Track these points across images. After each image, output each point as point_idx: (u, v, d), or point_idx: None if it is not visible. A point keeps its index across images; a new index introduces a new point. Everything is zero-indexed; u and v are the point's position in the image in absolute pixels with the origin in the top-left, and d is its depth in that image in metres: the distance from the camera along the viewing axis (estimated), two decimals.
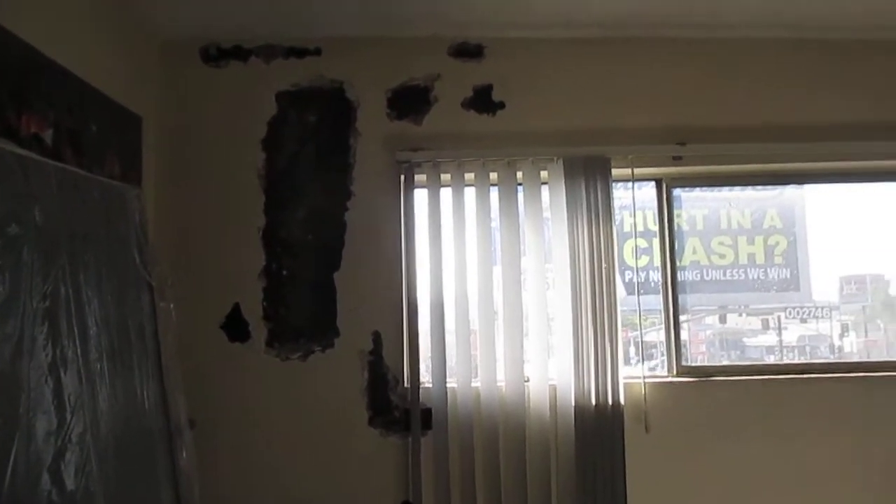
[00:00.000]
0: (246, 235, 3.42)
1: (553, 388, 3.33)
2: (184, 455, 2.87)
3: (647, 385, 3.38)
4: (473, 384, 3.33)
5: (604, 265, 3.34)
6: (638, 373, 3.41)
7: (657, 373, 3.54)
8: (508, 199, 3.41)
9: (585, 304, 3.33)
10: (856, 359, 3.71)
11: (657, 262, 3.61)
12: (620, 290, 3.42)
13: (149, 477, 2.66)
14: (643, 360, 3.43)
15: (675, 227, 3.62)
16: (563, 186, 3.38)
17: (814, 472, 3.38)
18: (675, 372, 3.52)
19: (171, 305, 2.93)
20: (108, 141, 2.79)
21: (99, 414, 2.30)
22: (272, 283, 3.42)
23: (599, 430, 3.27)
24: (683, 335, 3.58)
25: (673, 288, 3.58)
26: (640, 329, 3.45)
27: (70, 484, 2.05)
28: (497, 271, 3.37)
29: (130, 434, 2.53)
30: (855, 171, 3.63)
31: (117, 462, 2.38)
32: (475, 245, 3.40)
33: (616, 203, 3.43)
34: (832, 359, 3.72)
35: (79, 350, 2.20)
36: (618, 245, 3.45)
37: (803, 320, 3.80)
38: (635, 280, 3.51)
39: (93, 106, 2.69)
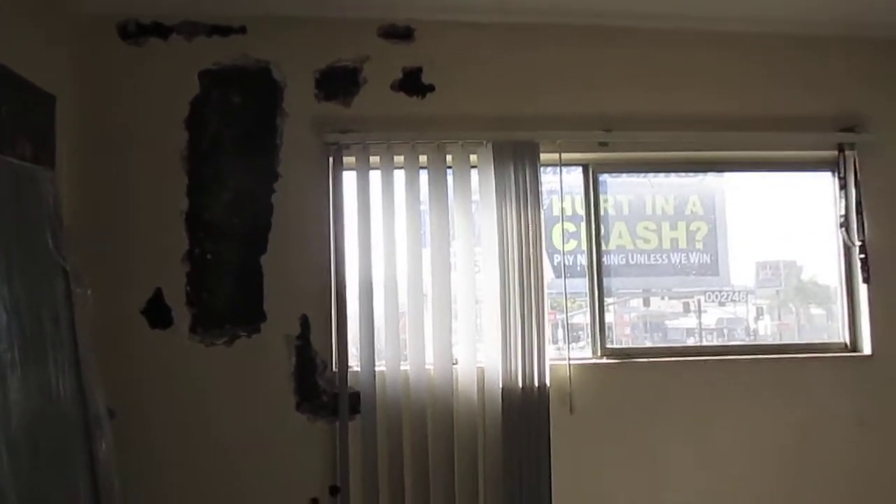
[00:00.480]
0: (168, 219, 3.32)
1: (481, 371, 3.35)
2: (103, 446, 2.81)
3: (572, 367, 3.43)
4: (402, 367, 3.33)
5: (531, 249, 3.37)
6: (564, 355, 3.45)
7: (582, 355, 3.60)
8: (438, 183, 3.40)
9: (513, 288, 3.36)
10: (770, 341, 3.85)
11: (584, 245, 3.65)
12: (548, 273, 3.47)
13: (65, 470, 2.60)
14: (569, 342, 3.47)
15: (602, 212, 3.66)
16: (493, 170, 3.39)
17: (730, 451, 3.49)
18: (599, 354, 3.59)
19: (89, 291, 2.84)
20: (18, 121, 2.66)
21: (10, 405, 2.22)
22: (196, 268, 3.35)
23: (526, 412, 3.31)
24: (609, 318, 3.64)
25: (598, 271, 3.63)
26: (566, 312, 3.48)
27: None
28: (426, 254, 3.37)
29: (44, 426, 2.46)
30: (772, 160, 3.74)
31: (30, 456, 2.31)
32: (404, 228, 3.38)
33: (544, 188, 3.46)
34: (748, 341, 3.85)
35: None
36: (546, 229, 3.47)
37: (722, 304, 3.90)
38: (563, 263, 3.56)
39: (1, 85, 2.55)
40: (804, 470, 3.51)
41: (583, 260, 3.66)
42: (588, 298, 3.62)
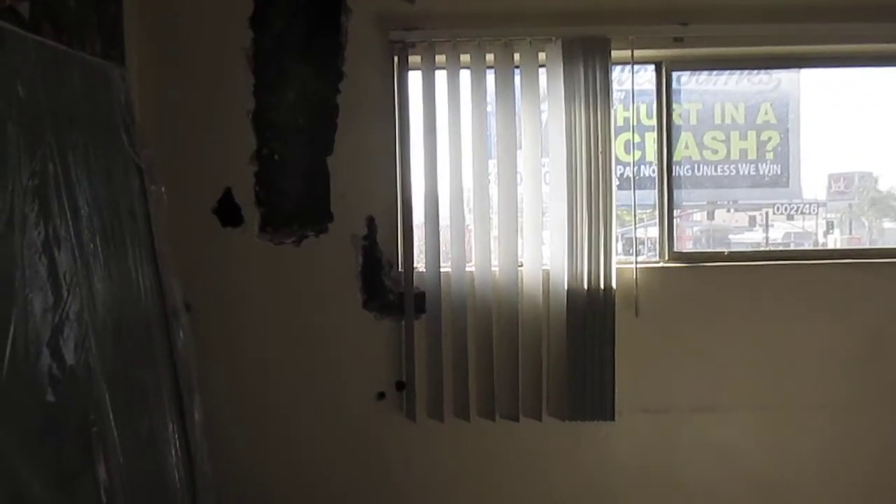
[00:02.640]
0: (235, 118, 3.34)
1: (546, 273, 3.35)
2: (181, 338, 2.91)
3: (638, 270, 3.41)
4: (467, 268, 3.35)
5: (601, 149, 3.30)
6: (631, 259, 3.43)
7: (649, 259, 3.57)
8: (505, 83, 3.33)
9: (581, 188, 3.31)
10: (836, 234, 3.79)
11: (649, 157, 3.56)
12: (614, 194, 3.39)
13: (146, 358, 2.70)
14: (636, 245, 3.44)
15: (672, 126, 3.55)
16: (562, 69, 3.30)
17: (796, 358, 3.45)
18: (666, 258, 3.54)
19: (162, 189, 2.90)
20: (87, 16, 2.68)
21: (95, 293, 2.31)
22: (264, 168, 3.38)
23: (591, 313, 3.31)
24: (675, 242, 3.58)
25: (668, 172, 3.55)
26: (634, 220, 3.44)
27: (70, 359, 2.08)
28: (493, 157, 3.34)
29: (127, 315, 2.56)
30: (856, 54, 3.53)
31: (115, 342, 2.41)
32: (470, 130, 3.33)
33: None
34: (816, 237, 3.79)
35: (71, 229, 2.18)
36: (614, 132, 3.38)
37: (790, 217, 3.81)
38: (631, 174, 3.49)
39: None
40: (873, 379, 3.45)
41: (647, 171, 3.57)
42: (656, 202, 3.56)
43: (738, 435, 3.48)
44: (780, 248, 3.80)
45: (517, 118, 3.31)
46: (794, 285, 3.45)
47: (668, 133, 3.54)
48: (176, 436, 2.80)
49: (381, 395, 3.44)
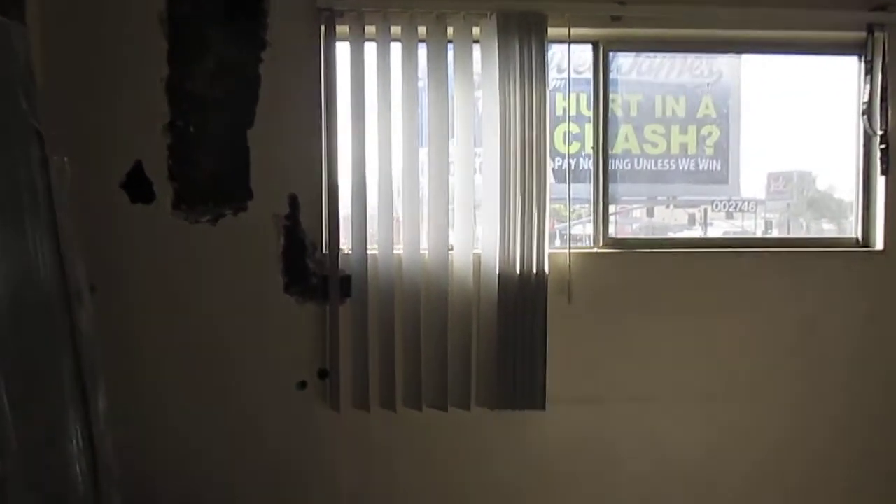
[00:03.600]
0: (148, 86, 3.26)
1: (477, 257, 3.38)
2: (84, 321, 2.81)
3: (572, 256, 3.46)
4: (395, 251, 3.35)
5: (535, 129, 3.34)
6: (564, 246, 3.49)
7: (582, 245, 3.63)
8: (438, 57, 3.33)
9: (514, 170, 3.34)
10: (775, 234, 3.90)
11: (588, 149, 3.61)
12: (549, 178, 3.44)
13: (46, 342, 2.60)
14: (570, 228, 3.50)
15: (609, 112, 3.61)
16: (496, 45, 3.31)
17: (731, 346, 3.56)
18: (600, 244, 3.60)
19: (65, 159, 2.79)
20: None
21: None
22: (178, 140, 3.30)
23: (522, 299, 3.35)
24: (610, 229, 3.64)
25: (604, 157, 3.61)
26: (569, 209, 3.49)
27: None
28: (424, 135, 3.35)
29: (24, 295, 2.45)
30: (795, 41, 3.63)
31: (10, 324, 2.31)
32: (400, 106, 3.32)
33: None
34: (755, 235, 3.90)
35: None
36: (550, 110, 3.42)
37: (729, 215, 3.90)
38: (567, 166, 3.53)
39: None
40: (808, 365, 3.58)
41: (586, 164, 3.62)
42: (591, 187, 3.61)
43: (672, 425, 3.56)
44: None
45: (450, 101, 3.32)
46: (729, 274, 3.54)
47: (604, 118, 3.59)
48: (78, 426, 2.71)
49: (303, 385, 3.43)
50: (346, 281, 3.35)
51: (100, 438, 2.76)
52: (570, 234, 3.50)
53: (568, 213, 3.50)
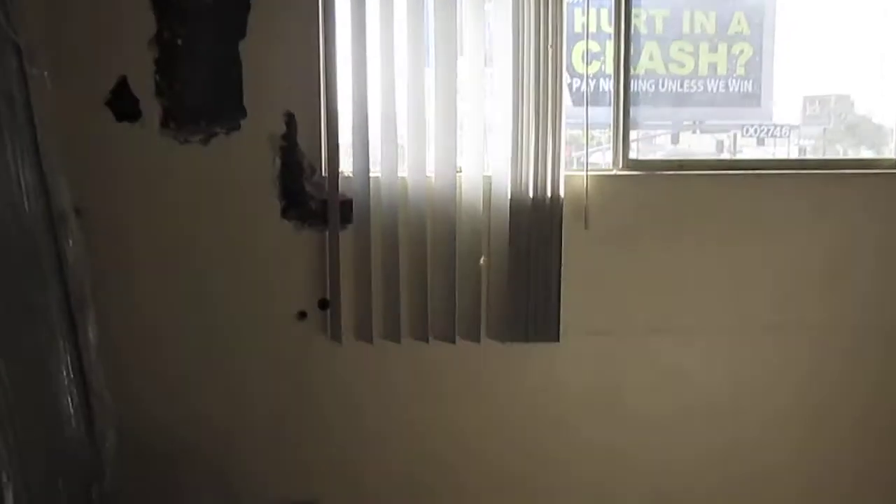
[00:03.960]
0: None
1: (488, 180, 3.43)
2: (70, 246, 2.92)
3: (589, 178, 3.49)
4: (400, 174, 3.40)
5: (550, 40, 3.35)
6: (582, 169, 3.51)
7: (601, 166, 3.65)
8: None
9: (528, 91, 3.36)
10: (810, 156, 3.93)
11: (609, 69, 3.60)
12: (566, 99, 3.46)
13: (30, 268, 2.70)
14: (587, 150, 3.51)
15: (632, 29, 3.59)
16: None
17: (756, 273, 3.63)
18: (620, 165, 3.62)
19: (46, 73, 2.86)
20: None
21: None
22: (165, 54, 3.32)
23: (536, 225, 3.42)
24: (631, 154, 3.64)
25: (626, 74, 3.61)
26: (587, 132, 3.50)
27: None
28: (430, 44, 3.36)
29: (5, 219, 2.53)
30: None
31: None
32: (405, 12, 3.33)
33: None
34: (787, 157, 3.93)
35: None
36: (568, 26, 3.42)
37: (761, 141, 3.89)
38: (584, 88, 3.53)
39: None
40: (841, 296, 3.66)
41: (606, 86, 3.61)
42: (611, 108, 3.63)
43: (691, 359, 3.66)
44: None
45: (458, 16, 3.33)
46: (760, 197, 3.59)
47: (626, 35, 3.57)
48: (68, 356, 2.85)
49: (303, 315, 3.51)
50: (346, 205, 3.41)
51: (91, 369, 2.92)
52: (587, 157, 3.53)
53: (586, 138, 3.50)
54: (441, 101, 3.37)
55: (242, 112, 3.39)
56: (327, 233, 3.43)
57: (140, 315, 3.44)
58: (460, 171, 3.43)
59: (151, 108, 3.35)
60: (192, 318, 3.47)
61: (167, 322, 3.47)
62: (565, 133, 3.42)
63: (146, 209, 3.40)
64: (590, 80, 3.54)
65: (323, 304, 3.49)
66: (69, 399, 2.84)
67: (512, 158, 3.39)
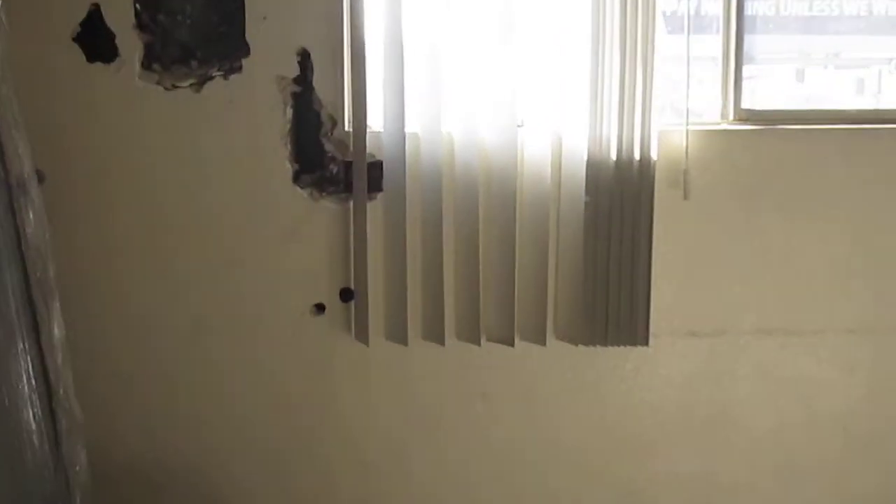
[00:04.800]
0: None
1: (558, 138, 3.42)
2: (31, 219, 2.89)
3: (690, 135, 3.46)
4: (444, 129, 3.39)
5: None
6: (680, 122, 3.49)
7: (705, 119, 3.61)
8: None
9: (610, 16, 3.35)
10: None
11: None
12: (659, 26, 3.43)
13: None
14: (687, 97, 3.46)
15: None
16: None
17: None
18: (730, 117, 3.60)
19: None
20: None
21: None
22: None
23: (620, 194, 3.42)
24: (744, 98, 3.61)
25: (738, 20, 3.59)
26: (688, 69, 3.47)
27: None
28: None
29: None
30: None
31: None
32: None
33: None
34: None
35: None
36: None
37: None
38: (683, 12, 3.50)
39: None
40: None
41: (711, 8, 3.60)
42: (721, 44, 3.62)
43: (819, 367, 3.64)
44: None
45: None
46: None
47: None
48: (29, 357, 2.84)
49: (320, 308, 3.53)
50: (376, 169, 3.42)
51: (57, 375, 2.90)
52: (688, 104, 3.48)
53: (686, 77, 3.46)
54: (497, 33, 3.35)
55: (245, 49, 3.40)
56: (352, 204, 3.45)
57: (117, 308, 3.49)
58: (521, 126, 3.43)
59: (130, 45, 3.36)
60: (181, 313, 3.51)
61: (150, 318, 3.50)
62: (658, 73, 3.38)
63: (124, 174, 3.42)
64: (690, 1, 3.50)
65: (346, 295, 3.52)
66: (31, 412, 2.84)
67: (589, 108, 3.38)
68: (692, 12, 3.51)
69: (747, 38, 3.60)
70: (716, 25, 3.59)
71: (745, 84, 3.61)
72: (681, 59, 3.48)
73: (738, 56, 3.58)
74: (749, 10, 3.59)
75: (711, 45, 3.59)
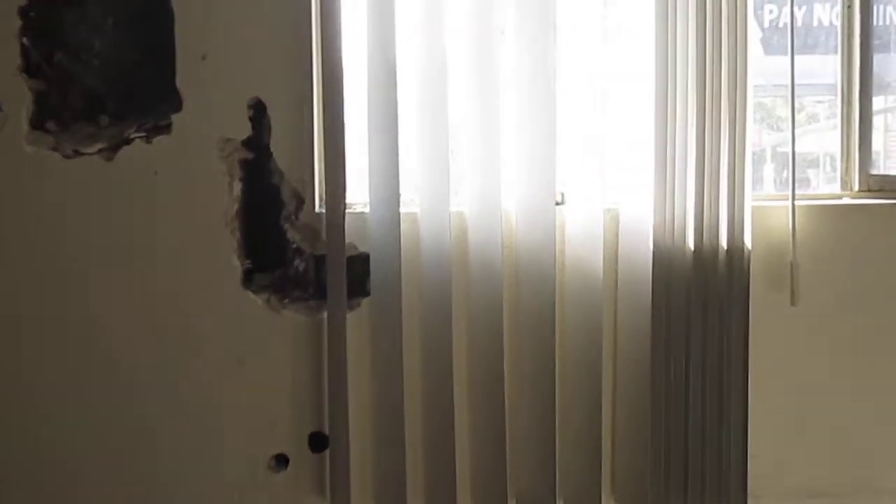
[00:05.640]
0: None
1: (613, 216, 3.39)
2: None
3: (798, 212, 3.41)
4: (454, 208, 3.35)
5: None
6: (785, 194, 3.46)
7: (819, 191, 3.64)
8: None
9: (685, 55, 3.30)
10: None
11: None
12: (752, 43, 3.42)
13: None
14: (793, 169, 3.42)
15: None
16: None
17: None
18: (855, 187, 3.57)
19: None
20: None
21: None
22: (39, 8, 3.27)
23: (701, 297, 3.34)
24: (877, 138, 3.58)
25: (864, 4, 3.52)
26: (793, 117, 3.37)
27: None
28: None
29: None
30: None
31: None
32: None
33: None
34: None
35: None
36: None
37: None
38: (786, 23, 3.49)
39: None
40: None
41: (827, 17, 3.64)
42: (838, 78, 3.57)
43: None
44: None
45: None
46: None
47: None
48: None
49: (282, 461, 3.44)
50: (360, 264, 3.34)
51: None
52: (793, 161, 3.40)
53: (791, 116, 3.39)
54: (527, 74, 3.32)
55: (175, 100, 3.33)
56: (325, 315, 3.35)
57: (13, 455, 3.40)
58: (561, 203, 3.39)
59: (15, 97, 3.29)
60: (94, 465, 3.39)
61: (50, 468, 3.39)
62: (751, 122, 3.34)
63: (11, 275, 3.35)
64: (795, 7, 3.49)
65: (317, 443, 3.44)
66: None
67: (655, 175, 3.32)
68: (797, 23, 3.51)
69: (877, 59, 3.58)
70: (832, 42, 3.57)
71: (875, 136, 3.58)
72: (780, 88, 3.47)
73: (864, 85, 3.58)
74: (878, 20, 3.59)
75: (824, 68, 3.61)
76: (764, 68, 3.46)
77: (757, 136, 3.58)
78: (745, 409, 3.36)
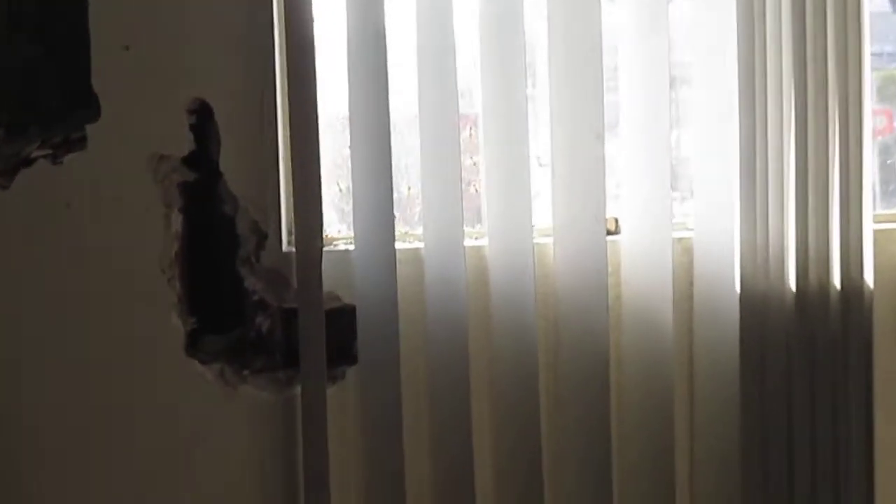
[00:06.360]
0: None
1: (686, 248, 3.17)
2: None
3: None
4: (470, 242, 3.13)
5: None
6: None
7: None
8: None
9: (776, 23, 3.04)
10: None
11: None
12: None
13: None
14: None
15: None
16: None
17: None
18: None
19: None
20: None
21: None
22: None
23: (807, 355, 3.11)
24: None
25: None
26: None
27: None
28: None
29: None
30: None
31: None
32: None
33: None
34: None
35: None
36: None
37: None
38: None
39: None
40: None
41: None
42: None
43: None
44: None
45: None
46: None
47: None
48: None
49: None
50: (343, 319, 3.06)
51: None
52: None
53: None
54: (565, 74, 3.08)
55: (90, 106, 3.03)
56: (299, 391, 3.04)
57: None
58: (616, 232, 3.19)
59: None
60: None
61: None
62: (869, 115, 3.15)
63: None
64: None
65: None
66: None
67: (741, 193, 3.08)
68: None
69: None
70: None
71: None
72: None
73: None
74: None
75: None
76: (887, 29, 3.30)
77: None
78: (871, 483, 3.13)
